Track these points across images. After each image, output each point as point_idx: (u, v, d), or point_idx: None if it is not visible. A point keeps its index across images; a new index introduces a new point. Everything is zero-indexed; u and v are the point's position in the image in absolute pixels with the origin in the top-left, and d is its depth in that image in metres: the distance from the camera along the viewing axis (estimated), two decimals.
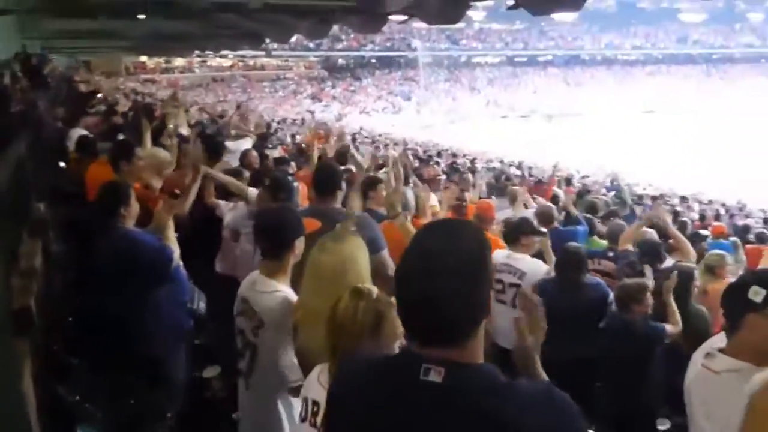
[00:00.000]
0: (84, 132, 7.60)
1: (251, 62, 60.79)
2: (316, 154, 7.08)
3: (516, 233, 5.32)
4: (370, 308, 2.14)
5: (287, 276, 3.06)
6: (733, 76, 69.41)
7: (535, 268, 5.13)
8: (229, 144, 7.46)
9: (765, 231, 10.15)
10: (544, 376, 1.79)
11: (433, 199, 7.22)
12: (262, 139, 10.24)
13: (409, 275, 1.49)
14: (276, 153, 8.21)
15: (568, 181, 14.51)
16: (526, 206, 7.84)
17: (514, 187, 8.25)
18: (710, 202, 21.28)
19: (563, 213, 7.77)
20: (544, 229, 5.53)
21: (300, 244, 3.07)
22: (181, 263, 4.11)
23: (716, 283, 5.84)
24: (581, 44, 72.86)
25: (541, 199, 9.04)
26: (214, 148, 6.51)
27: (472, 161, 19.77)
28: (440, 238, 1.51)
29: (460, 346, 1.46)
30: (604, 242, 6.89)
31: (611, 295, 4.88)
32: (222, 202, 5.41)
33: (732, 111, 55.31)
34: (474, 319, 1.48)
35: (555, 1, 8.41)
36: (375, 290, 2.26)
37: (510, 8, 9.79)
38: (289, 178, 5.19)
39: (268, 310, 2.93)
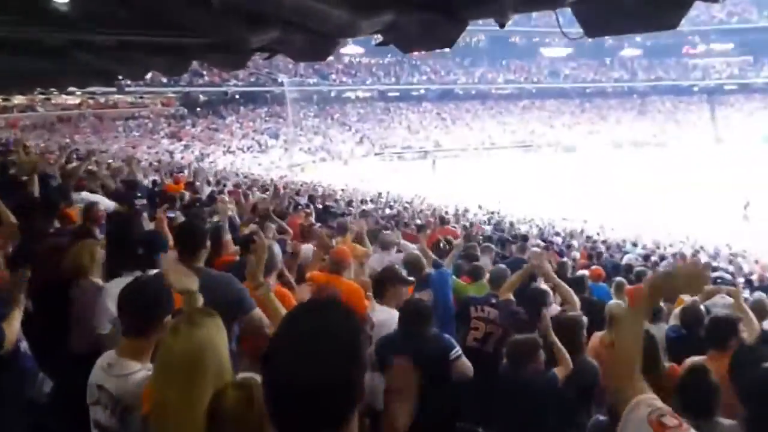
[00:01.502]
0: None
1: (102, 99, 58.80)
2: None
3: (381, 285, 5.38)
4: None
5: (149, 355, 2.93)
6: (606, 110, 73.58)
7: (384, 319, 5.09)
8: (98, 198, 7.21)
9: (644, 269, 10.67)
10: None
11: (307, 251, 7.17)
12: (131, 189, 9.86)
13: (278, 363, 1.47)
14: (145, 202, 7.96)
15: (443, 220, 14.76)
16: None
17: (386, 232, 8.42)
18: (588, 238, 22.23)
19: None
20: (410, 278, 5.55)
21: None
22: (25, 346, 3.83)
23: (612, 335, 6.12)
24: (454, 78, 75.21)
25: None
26: (51, 203, 6.23)
27: (348, 204, 19.74)
28: (311, 323, 1.51)
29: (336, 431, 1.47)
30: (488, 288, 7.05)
31: (455, 348, 4.92)
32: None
33: (606, 144, 58.66)
34: (349, 404, 1.49)
35: (425, 39, 8.54)
36: (259, 378, 2.20)
37: (379, 44, 9.95)
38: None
39: (131, 393, 2.79)
